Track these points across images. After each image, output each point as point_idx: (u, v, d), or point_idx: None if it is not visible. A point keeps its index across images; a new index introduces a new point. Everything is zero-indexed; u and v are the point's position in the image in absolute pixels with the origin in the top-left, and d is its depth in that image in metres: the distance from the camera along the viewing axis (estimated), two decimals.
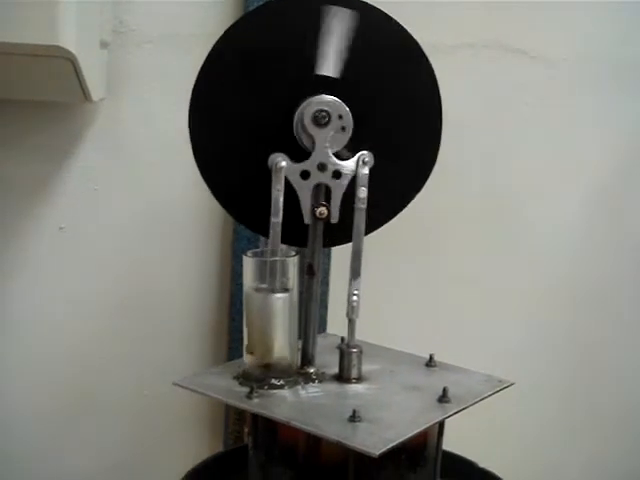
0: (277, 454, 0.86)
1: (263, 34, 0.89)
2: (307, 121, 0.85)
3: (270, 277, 0.86)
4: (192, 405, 1.37)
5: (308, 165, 0.87)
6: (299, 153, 0.88)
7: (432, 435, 0.88)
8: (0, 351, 1.30)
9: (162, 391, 1.32)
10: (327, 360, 0.93)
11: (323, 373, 0.91)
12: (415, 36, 0.92)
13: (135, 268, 1.31)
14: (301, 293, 0.91)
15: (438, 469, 0.90)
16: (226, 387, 0.87)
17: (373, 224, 0.93)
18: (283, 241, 0.88)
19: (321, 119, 0.85)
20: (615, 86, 1.43)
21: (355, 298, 0.89)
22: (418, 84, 0.93)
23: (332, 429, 0.77)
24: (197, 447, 1.37)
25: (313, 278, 0.91)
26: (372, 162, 0.87)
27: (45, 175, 1.26)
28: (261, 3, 0.92)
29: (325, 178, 0.87)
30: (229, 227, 1.30)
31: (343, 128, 0.87)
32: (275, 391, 0.85)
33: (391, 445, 0.74)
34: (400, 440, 0.76)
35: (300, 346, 0.92)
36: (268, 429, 0.86)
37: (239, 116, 0.90)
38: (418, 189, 0.95)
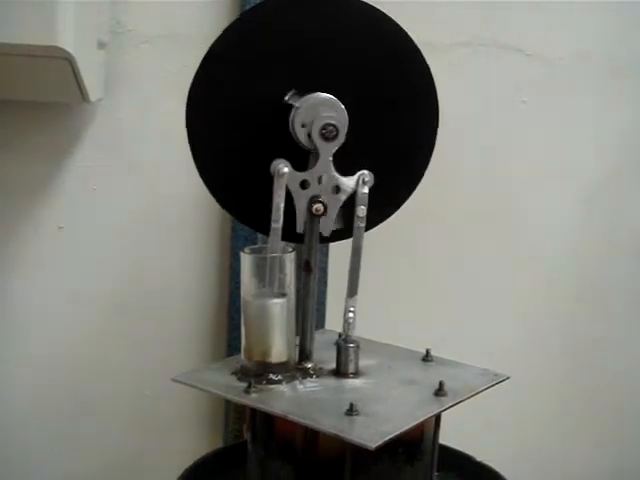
0: (275, 448, 0.87)
1: (260, 34, 0.89)
2: (315, 134, 0.86)
3: (268, 273, 0.87)
4: (192, 404, 1.38)
5: (308, 175, 0.88)
6: (296, 153, 0.88)
7: (429, 428, 0.88)
8: (1, 345, 1.30)
9: (162, 390, 1.33)
10: (325, 356, 0.94)
11: (321, 368, 0.92)
12: (413, 35, 0.93)
13: (134, 267, 1.31)
14: (298, 290, 0.91)
15: (435, 462, 0.91)
16: (224, 382, 0.87)
17: (369, 224, 0.93)
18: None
19: (328, 133, 0.86)
20: (612, 84, 1.44)
21: (351, 315, 0.90)
22: (414, 83, 0.94)
23: (329, 423, 0.78)
24: (197, 446, 1.37)
25: (310, 274, 0.92)
26: (372, 182, 0.88)
27: (44, 175, 1.27)
28: (258, 2, 0.93)
29: (323, 191, 0.88)
30: (227, 225, 1.30)
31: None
32: (273, 386, 0.86)
33: (388, 438, 0.75)
34: (397, 433, 0.77)
35: (298, 342, 0.92)
36: (266, 423, 0.87)
37: (237, 114, 0.90)
38: (412, 190, 0.96)
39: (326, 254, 1.30)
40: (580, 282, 1.49)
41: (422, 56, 0.93)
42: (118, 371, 1.34)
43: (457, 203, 1.41)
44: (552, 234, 1.46)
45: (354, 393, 0.85)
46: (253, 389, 0.84)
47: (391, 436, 0.76)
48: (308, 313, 0.92)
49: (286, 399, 0.84)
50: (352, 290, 0.89)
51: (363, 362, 0.92)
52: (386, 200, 0.95)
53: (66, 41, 0.98)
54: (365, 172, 0.88)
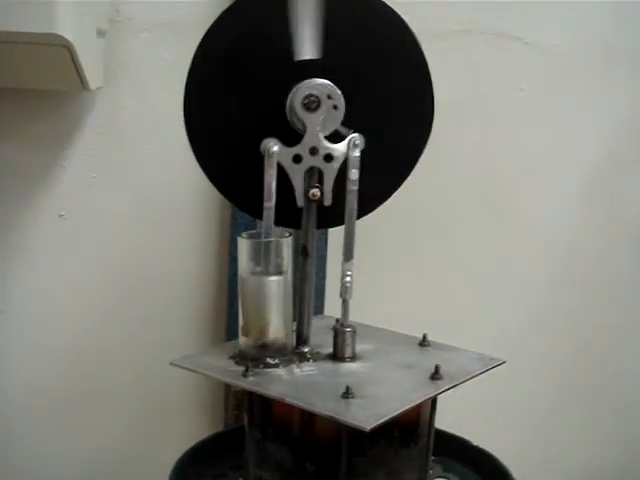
0: (272, 431, 0.88)
1: (258, 18, 0.90)
2: (297, 106, 0.87)
3: (265, 258, 0.87)
4: (192, 391, 1.39)
5: (300, 149, 0.88)
6: (293, 136, 0.89)
7: (425, 412, 0.89)
8: (2, 334, 1.31)
9: (162, 376, 1.34)
10: (323, 340, 0.94)
11: (318, 352, 0.92)
12: (412, 23, 0.92)
13: (134, 254, 1.32)
14: (295, 274, 0.92)
15: (431, 446, 0.91)
16: (222, 366, 0.88)
17: (366, 208, 0.94)
18: (277, 223, 0.89)
19: (310, 104, 0.87)
20: (609, 71, 1.44)
21: (348, 279, 0.90)
22: (410, 67, 0.93)
23: (325, 405, 0.78)
24: (197, 432, 1.38)
25: (307, 259, 0.92)
26: (363, 144, 0.89)
27: (44, 163, 1.27)
28: None
29: (317, 162, 0.88)
30: (227, 213, 1.31)
31: (335, 107, 0.88)
32: (270, 370, 0.87)
33: (383, 420, 0.76)
34: (392, 415, 0.77)
35: (295, 327, 0.93)
36: (263, 406, 0.88)
37: (234, 102, 0.91)
38: (408, 172, 0.96)
39: (325, 242, 1.31)
40: (580, 268, 1.50)
41: (418, 44, 0.93)
42: (118, 357, 1.35)
43: (455, 190, 1.41)
44: (551, 220, 1.47)
45: (350, 377, 0.86)
46: (250, 372, 0.85)
47: (386, 418, 0.76)
48: (305, 298, 0.93)
49: (283, 382, 0.84)
50: (348, 254, 0.90)
51: (360, 347, 0.93)
52: (383, 184, 0.95)
53: (65, 29, 0.98)
54: (355, 135, 0.88)
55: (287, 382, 0.85)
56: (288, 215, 0.91)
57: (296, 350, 0.92)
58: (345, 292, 0.90)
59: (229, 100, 0.91)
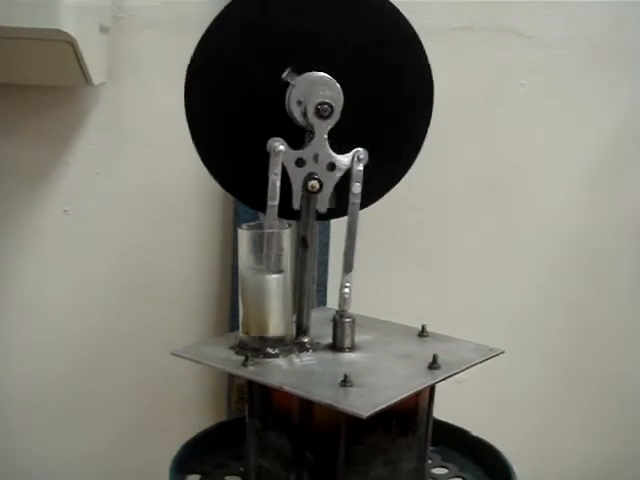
0: (272, 420, 0.89)
1: (262, 9, 0.91)
2: (310, 111, 0.87)
3: (265, 250, 0.88)
4: (194, 384, 1.40)
5: (304, 154, 0.89)
6: (292, 128, 0.90)
7: (423, 401, 0.90)
8: (5, 329, 1.33)
9: (165, 370, 1.35)
10: (323, 331, 0.95)
11: (317, 343, 0.93)
12: (413, 19, 0.93)
13: (137, 248, 1.34)
14: (295, 266, 0.93)
15: (429, 435, 0.92)
16: (223, 356, 0.89)
17: (368, 199, 0.95)
18: (277, 215, 0.90)
19: (323, 111, 0.87)
20: (611, 66, 1.43)
21: (347, 290, 0.91)
22: (410, 64, 0.94)
23: (324, 393, 0.79)
24: (199, 426, 1.39)
25: (307, 250, 0.93)
26: (367, 159, 0.90)
27: (48, 158, 1.29)
28: None
29: (319, 169, 0.89)
30: (230, 207, 1.32)
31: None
32: (270, 359, 0.88)
33: (380, 407, 0.77)
34: (389, 403, 0.78)
35: (295, 318, 0.94)
36: (263, 395, 0.89)
37: (235, 93, 0.91)
38: (408, 166, 0.97)
39: (327, 235, 1.32)
40: (584, 260, 1.49)
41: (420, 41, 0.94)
42: (121, 351, 1.36)
43: (457, 182, 1.42)
44: (554, 212, 1.46)
45: (349, 366, 0.87)
46: (250, 362, 0.86)
47: (383, 406, 0.77)
48: (305, 289, 0.94)
49: (282, 371, 0.85)
50: (348, 266, 0.91)
51: (359, 337, 0.93)
52: (383, 178, 0.96)
53: (68, 25, 1.00)
54: (360, 150, 0.89)
55: (286, 371, 0.86)
56: (287, 207, 0.91)
57: (296, 340, 0.92)
58: (344, 303, 0.91)
59: (230, 93, 0.92)
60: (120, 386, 1.38)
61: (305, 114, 0.88)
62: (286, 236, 0.89)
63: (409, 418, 0.88)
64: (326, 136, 0.88)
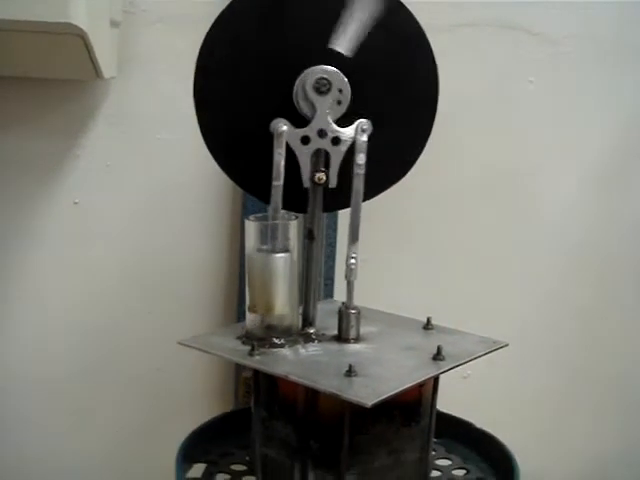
0: (277, 409, 0.90)
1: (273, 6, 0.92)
2: (308, 88, 0.89)
3: (272, 240, 0.89)
4: (202, 378, 1.42)
5: (308, 131, 0.90)
6: (301, 121, 0.91)
7: (427, 391, 0.90)
8: (15, 321, 1.34)
9: (172, 363, 1.37)
10: (329, 323, 0.96)
11: (323, 334, 0.94)
12: (419, 16, 0.94)
13: (147, 240, 1.35)
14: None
15: (433, 426, 0.93)
16: (229, 346, 0.90)
17: (373, 191, 0.96)
18: (284, 207, 0.91)
19: (322, 86, 0.89)
20: (618, 64, 1.44)
21: (353, 261, 0.92)
22: (417, 63, 0.95)
23: (329, 383, 0.80)
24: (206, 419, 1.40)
25: (313, 242, 0.94)
26: (370, 129, 0.90)
27: (59, 152, 1.30)
28: None
29: (324, 144, 0.90)
30: (238, 200, 1.33)
31: (339, 102, 0.90)
32: (276, 349, 0.89)
33: (384, 397, 0.77)
34: (393, 392, 0.79)
35: (301, 309, 0.95)
36: (269, 385, 0.90)
37: (245, 83, 0.93)
38: (414, 159, 0.97)
39: (334, 230, 1.33)
40: (591, 260, 1.49)
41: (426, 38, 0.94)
42: (130, 343, 1.38)
43: (463, 181, 1.42)
44: (561, 210, 1.47)
45: (354, 356, 0.88)
46: (256, 352, 0.87)
47: (387, 395, 0.78)
48: (311, 280, 0.95)
49: (288, 361, 0.86)
50: (353, 237, 0.91)
51: (365, 329, 0.94)
52: (390, 169, 0.97)
53: (80, 18, 1.00)
54: (363, 120, 0.90)
55: (292, 361, 0.87)
56: (295, 199, 0.92)
57: (302, 331, 0.93)
58: (350, 274, 0.92)
59: (239, 86, 0.93)
60: (128, 379, 1.39)
61: (304, 91, 0.89)
62: (293, 228, 0.90)
63: (413, 408, 0.89)
64: (328, 111, 0.89)
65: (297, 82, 0.90)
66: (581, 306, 1.51)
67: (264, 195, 0.93)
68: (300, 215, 0.94)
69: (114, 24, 1.20)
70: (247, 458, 0.98)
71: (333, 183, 0.91)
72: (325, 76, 0.89)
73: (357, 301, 0.93)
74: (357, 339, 0.93)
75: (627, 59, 1.44)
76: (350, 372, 0.82)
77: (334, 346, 0.92)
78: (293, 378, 0.82)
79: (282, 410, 0.89)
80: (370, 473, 0.87)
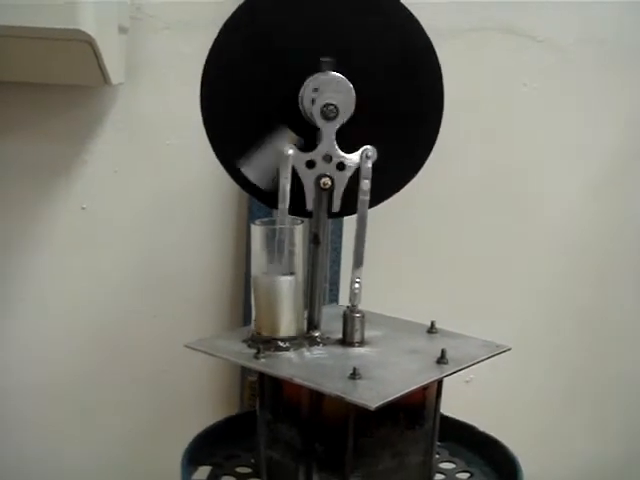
0: (282, 412, 0.90)
1: (277, 11, 0.93)
2: (316, 114, 0.90)
3: (277, 246, 0.90)
4: (207, 383, 1.42)
5: (314, 155, 0.91)
6: (305, 126, 0.92)
7: (430, 395, 0.91)
8: (22, 325, 1.36)
9: (178, 366, 1.38)
10: (333, 327, 0.97)
11: (328, 337, 0.95)
12: (424, 21, 0.95)
13: (154, 245, 1.36)
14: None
15: (437, 430, 0.93)
16: (235, 349, 0.91)
17: (377, 199, 0.96)
18: (290, 212, 0.92)
19: (329, 113, 0.90)
20: (622, 69, 1.45)
21: (357, 286, 0.93)
22: (424, 71, 0.96)
23: (333, 385, 0.81)
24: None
25: (318, 247, 0.95)
26: (375, 157, 0.92)
27: (67, 157, 1.31)
28: None
29: (329, 169, 0.92)
30: (244, 205, 1.34)
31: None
32: (281, 353, 0.90)
33: (388, 399, 0.78)
34: (397, 395, 0.79)
35: (306, 315, 0.96)
36: (274, 388, 0.91)
37: (250, 91, 0.94)
38: (419, 167, 0.98)
39: (340, 236, 1.34)
40: (591, 261, 1.51)
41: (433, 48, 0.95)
42: (136, 347, 1.39)
43: (467, 186, 1.43)
44: (562, 212, 1.48)
45: (358, 360, 0.88)
46: (262, 355, 0.88)
47: (391, 398, 0.78)
48: (316, 285, 0.96)
49: (293, 364, 0.87)
50: (358, 262, 0.92)
51: (369, 333, 0.95)
52: (394, 177, 0.98)
53: (88, 25, 1.01)
54: (368, 147, 0.91)
55: (297, 364, 0.87)
56: (300, 206, 0.93)
57: (307, 335, 0.94)
58: (354, 298, 0.93)
59: (245, 92, 0.94)
60: (133, 381, 1.40)
61: (312, 118, 0.90)
62: (298, 233, 0.91)
63: (417, 411, 0.90)
64: (334, 136, 0.90)
65: (302, 92, 0.90)
66: (581, 306, 1.51)
67: (270, 200, 0.95)
68: (305, 220, 0.95)
69: (122, 30, 1.21)
70: (252, 461, 0.98)
71: (336, 207, 0.93)
72: (332, 102, 0.89)
73: (361, 305, 0.94)
74: (361, 343, 0.94)
75: (632, 65, 1.44)
76: (354, 375, 0.82)
77: (339, 349, 0.92)
78: (298, 381, 0.82)
79: (287, 413, 0.90)
80: (374, 476, 0.88)
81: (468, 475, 0.99)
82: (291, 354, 0.90)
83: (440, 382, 0.91)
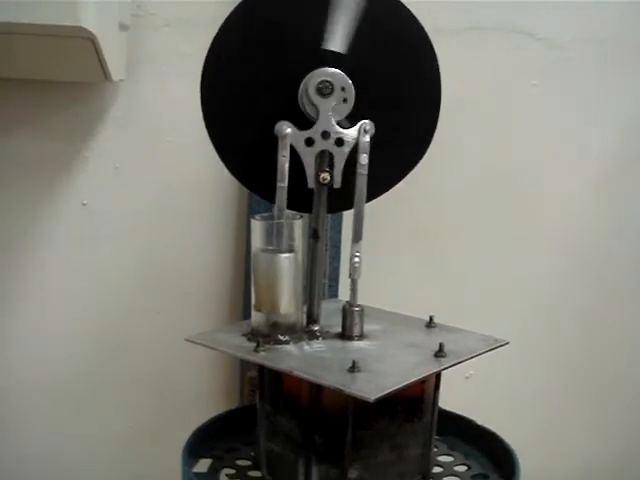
0: (282, 404, 0.91)
1: (277, 6, 0.94)
2: (311, 91, 0.90)
3: (277, 239, 0.91)
4: (207, 378, 1.43)
5: (312, 133, 0.92)
6: (306, 123, 0.92)
7: (429, 388, 0.92)
8: (23, 321, 1.36)
9: (178, 362, 1.39)
10: (333, 321, 0.97)
11: (327, 331, 0.96)
12: (424, 19, 0.95)
13: (154, 241, 1.36)
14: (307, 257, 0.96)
15: (435, 423, 0.94)
16: (235, 343, 0.92)
17: (375, 191, 0.97)
18: (289, 207, 0.92)
19: (324, 89, 0.90)
20: (622, 68, 1.45)
21: (357, 259, 0.93)
22: (420, 62, 0.96)
23: (332, 378, 0.81)
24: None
25: (318, 242, 0.96)
26: (373, 131, 0.92)
27: (68, 153, 1.32)
28: None
29: (328, 145, 0.92)
30: (244, 201, 1.35)
31: (345, 100, 0.91)
32: (281, 346, 0.90)
33: (387, 392, 0.79)
34: (395, 388, 0.80)
35: (306, 308, 0.96)
36: (273, 381, 0.91)
37: (249, 86, 0.94)
38: (418, 159, 0.99)
39: (339, 231, 1.34)
40: (591, 261, 1.51)
41: (430, 40, 0.96)
42: (136, 342, 1.39)
43: (467, 183, 1.44)
44: (563, 211, 1.48)
45: (357, 353, 0.89)
46: (262, 348, 0.88)
47: (390, 390, 0.79)
48: (315, 279, 0.96)
49: (292, 357, 0.88)
50: (357, 236, 0.93)
51: (368, 327, 0.96)
52: (393, 169, 0.98)
53: (89, 22, 1.02)
54: (366, 122, 0.91)
55: (296, 357, 0.88)
56: (299, 199, 0.94)
57: (306, 329, 0.95)
58: (354, 272, 0.93)
59: (245, 89, 0.94)
60: (134, 378, 1.41)
61: (307, 94, 0.90)
62: (298, 227, 0.92)
63: (415, 404, 0.91)
64: (331, 113, 0.91)
65: (301, 86, 0.91)
66: (581, 306, 1.52)
67: (270, 195, 0.95)
68: (305, 215, 0.95)
69: (123, 27, 1.22)
70: (252, 453, 0.99)
71: (337, 183, 0.93)
72: (327, 78, 0.90)
73: (361, 300, 0.94)
74: (361, 336, 0.94)
75: (631, 64, 1.45)
76: (353, 368, 0.83)
77: (338, 343, 0.93)
78: (297, 373, 0.83)
79: (286, 405, 0.91)
80: (373, 468, 0.88)
81: (466, 468, 0.99)
82: (291, 347, 0.90)
83: (438, 375, 0.91)
